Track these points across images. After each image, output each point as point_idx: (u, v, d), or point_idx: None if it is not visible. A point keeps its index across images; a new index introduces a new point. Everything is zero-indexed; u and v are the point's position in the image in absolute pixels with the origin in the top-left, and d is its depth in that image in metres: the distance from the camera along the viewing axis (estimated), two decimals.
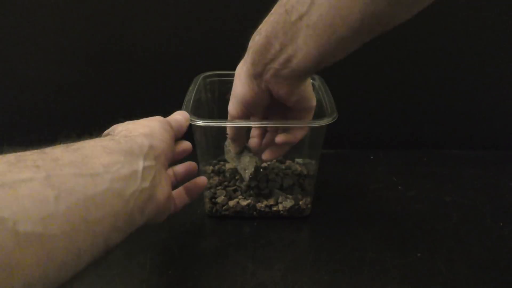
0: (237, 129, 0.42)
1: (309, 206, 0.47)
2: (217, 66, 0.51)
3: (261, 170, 0.49)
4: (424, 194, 0.53)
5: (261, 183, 0.49)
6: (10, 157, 0.22)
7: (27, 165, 0.21)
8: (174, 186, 0.38)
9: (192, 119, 0.38)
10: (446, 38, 0.55)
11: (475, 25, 0.54)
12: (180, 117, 0.38)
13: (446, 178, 0.57)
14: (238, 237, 0.45)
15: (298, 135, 0.40)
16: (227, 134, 0.44)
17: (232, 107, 0.39)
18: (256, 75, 0.35)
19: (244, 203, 0.47)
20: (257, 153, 0.45)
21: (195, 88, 0.45)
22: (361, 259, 0.42)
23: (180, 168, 0.39)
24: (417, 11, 0.27)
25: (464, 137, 0.64)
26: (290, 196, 0.47)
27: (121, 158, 0.26)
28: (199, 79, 0.48)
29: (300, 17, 0.29)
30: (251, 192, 0.48)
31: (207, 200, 0.47)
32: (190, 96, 0.42)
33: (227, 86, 0.41)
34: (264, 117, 0.43)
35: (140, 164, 0.28)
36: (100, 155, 0.25)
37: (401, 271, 0.40)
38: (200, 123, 0.38)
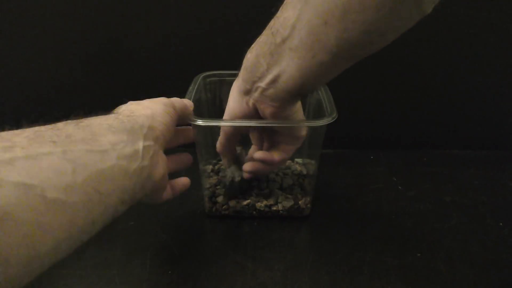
0: (226, 144, 0.43)
1: (308, 206, 0.47)
2: (217, 66, 0.51)
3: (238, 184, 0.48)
4: (424, 194, 0.53)
5: (261, 183, 0.49)
6: (29, 132, 0.24)
7: (45, 140, 0.23)
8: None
9: (192, 119, 0.38)
10: (446, 38, 0.55)
11: (475, 25, 0.54)
12: (185, 100, 0.39)
13: (446, 178, 0.57)
14: (238, 237, 0.45)
15: (276, 156, 0.41)
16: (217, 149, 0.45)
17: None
18: (246, 92, 0.36)
19: (244, 202, 0.47)
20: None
21: (195, 88, 0.45)
22: (361, 259, 0.42)
23: (175, 156, 0.41)
24: (392, 39, 0.28)
25: (464, 137, 0.64)
26: (289, 196, 0.47)
27: (124, 137, 0.28)
28: (199, 79, 0.48)
29: (284, 40, 0.30)
30: (231, 197, 0.48)
31: (207, 200, 0.47)
32: (190, 96, 0.42)
33: (227, 86, 0.41)
34: (259, 139, 0.45)
35: (140, 144, 0.29)
36: (106, 133, 0.27)
37: (401, 271, 0.40)
38: (200, 123, 0.38)
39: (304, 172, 0.52)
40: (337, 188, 0.54)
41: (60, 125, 0.26)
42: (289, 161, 0.55)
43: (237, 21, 0.54)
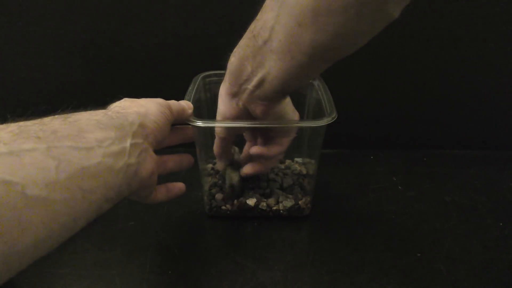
0: (222, 147, 0.43)
1: (308, 205, 0.47)
2: (217, 66, 0.51)
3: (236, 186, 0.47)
4: (424, 194, 0.53)
5: (261, 182, 0.49)
6: (13, 127, 0.23)
7: (30, 136, 0.23)
8: (166, 174, 0.40)
9: (192, 119, 0.38)
10: (446, 38, 0.55)
11: (475, 25, 0.54)
12: (183, 103, 0.39)
13: (446, 178, 0.57)
14: (238, 237, 0.45)
15: (273, 150, 0.41)
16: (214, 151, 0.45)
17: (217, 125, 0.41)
18: (234, 94, 0.37)
19: (245, 202, 0.47)
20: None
21: (195, 88, 0.45)
22: (361, 259, 0.42)
23: (176, 157, 0.41)
24: (363, 43, 0.29)
25: (464, 137, 0.64)
26: (290, 196, 0.47)
27: (112, 134, 0.28)
28: (198, 79, 0.48)
29: (265, 43, 0.31)
30: (232, 200, 0.47)
31: (207, 200, 0.47)
32: (190, 96, 0.42)
33: None
34: (252, 135, 0.46)
35: (128, 141, 0.29)
36: (94, 129, 0.27)
37: (401, 271, 0.40)
38: (199, 123, 0.38)
39: (304, 172, 0.52)
40: (337, 188, 0.54)
41: (46, 120, 0.26)
42: (289, 161, 0.55)
43: (237, 21, 0.54)
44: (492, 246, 0.44)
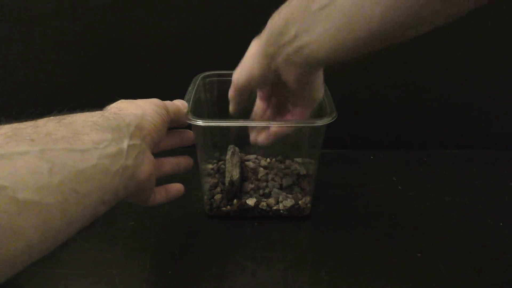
0: (238, 94, 0.39)
1: (308, 205, 0.47)
2: (217, 66, 0.51)
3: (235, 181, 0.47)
4: (424, 194, 0.53)
5: (261, 182, 0.49)
6: (7, 129, 0.23)
7: (23, 138, 0.23)
8: (164, 177, 0.40)
9: (192, 119, 0.38)
10: (446, 38, 0.55)
11: (475, 25, 0.54)
12: (178, 102, 0.38)
13: (446, 178, 0.57)
14: (238, 237, 0.45)
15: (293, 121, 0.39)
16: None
17: (239, 76, 0.37)
18: (268, 55, 0.34)
19: (245, 202, 0.47)
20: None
21: (194, 88, 0.45)
22: (361, 259, 0.42)
23: (173, 159, 0.41)
24: (430, 28, 0.27)
25: (464, 137, 0.64)
26: (290, 196, 0.47)
27: (108, 136, 0.27)
28: (198, 79, 0.48)
29: (322, 8, 0.28)
30: (229, 196, 0.47)
31: (206, 200, 0.47)
32: (190, 96, 0.42)
33: (227, 86, 0.41)
34: (268, 94, 0.42)
35: (125, 143, 0.29)
36: (90, 131, 0.27)
37: (401, 271, 0.40)
38: (199, 123, 0.38)
39: (304, 172, 0.52)
40: (337, 188, 0.54)
41: (41, 122, 0.26)
42: (288, 161, 0.55)
43: (237, 21, 0.54)
44: (492, 246, 0.44)
